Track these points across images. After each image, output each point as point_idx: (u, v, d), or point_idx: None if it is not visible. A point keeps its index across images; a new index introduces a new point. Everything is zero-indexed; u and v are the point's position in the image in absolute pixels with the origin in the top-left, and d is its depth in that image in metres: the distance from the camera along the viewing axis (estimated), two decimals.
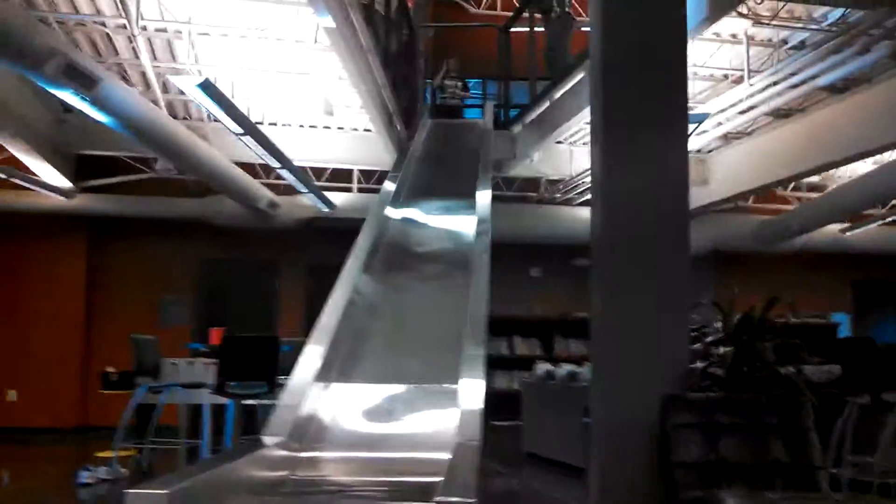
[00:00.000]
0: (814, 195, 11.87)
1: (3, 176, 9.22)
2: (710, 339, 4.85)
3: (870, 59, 7.53)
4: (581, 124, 9.28)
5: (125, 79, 8.78)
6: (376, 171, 10.94)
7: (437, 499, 1.73)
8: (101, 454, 7.17)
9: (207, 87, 6.56)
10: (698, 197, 10.38)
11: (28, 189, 9.81)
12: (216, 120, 8.18)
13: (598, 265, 5.05)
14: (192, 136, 8.84)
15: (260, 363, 5.81)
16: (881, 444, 4.91)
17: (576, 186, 11.24)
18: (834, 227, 12.07)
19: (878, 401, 4.93)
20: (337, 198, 10.97)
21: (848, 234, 12.17)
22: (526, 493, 6.70)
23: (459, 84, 10.81)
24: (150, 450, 7.01)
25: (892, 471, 5.13)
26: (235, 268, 11.61)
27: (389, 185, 6.72)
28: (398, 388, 3.67)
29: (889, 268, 13.03)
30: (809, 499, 3.44)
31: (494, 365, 11.16)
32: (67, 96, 6.51)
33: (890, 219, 11.99)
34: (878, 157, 9.48)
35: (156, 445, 7.01)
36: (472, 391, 3.04)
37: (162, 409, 7.02)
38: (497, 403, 10.47)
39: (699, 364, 4.71)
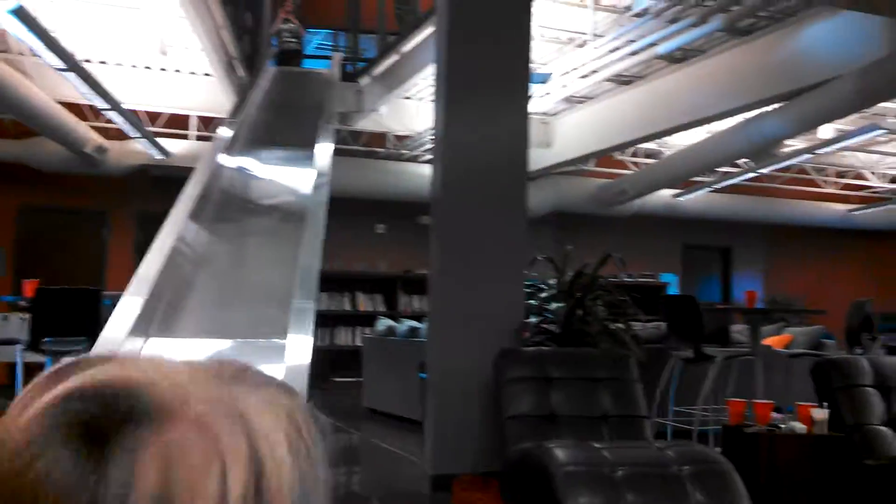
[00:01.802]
0: (650, 161, 12.38)
1: None
2: (543, 294, 4.93)
3: (706, 29, 7.82)
4: (429, 79, 9.18)
5: None
6: (215, 118, 10.44)
7: None
8: None
9: (22, 15, 5.97)
10: (541, 158, 10.57)
11: None
12: (36, 54, 7.50)
13: (438, 222, 5.04)
14: (8, 70, 8.08)
15: (78, 318, 5.40)
16: (701, 395, 5.17)
17: (422, 143, 11.18)
18: (667, 192, 12.65)
19: (700, 354, 5.18)
20: (173, 145, 10.40)
21: (680, 199, 12.80)
22: (364, 447, 6.66)
23: (296, 26, 10.43)
24: None
25: (711, 420, 5.43)
26: (59, 216, 10.82)
27: (225, 132, 6.40)
28: (222, 343, 3.48)
29: (715, 232, 13.85)
30: (632, 447, 3.54)
31: (336, 320, 11.05)
32: None
33: (717, 185, 12.69)
34: (711, 125, 9.95)
35: None
36: (299, 346, 2.90)
37: None
38: (339, 360, 10.39)
39: (533, 319, 4.78)
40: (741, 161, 11.59)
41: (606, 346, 4.59)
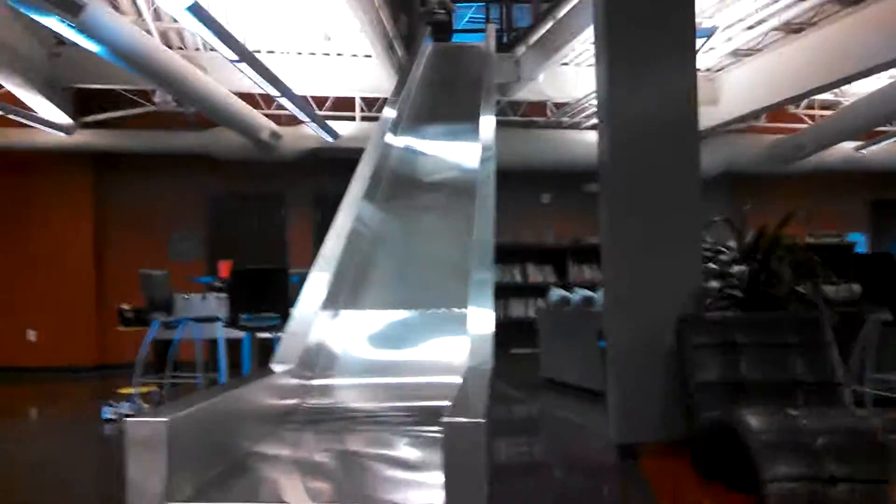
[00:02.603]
0: (827, 113, 11.60)
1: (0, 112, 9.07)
2: (724, 258, 4.74)
3: None
4: (586, 44, 8.99)
5: (115, 7, 8.53)
6: (379, 98, 10.72)
7: (445, 419, 1.65)
8: (122, 390, 7.20)
9: (197, 11, 6.33)
10: (708, 117, 10.14)
11: (28, 126, 9.67)
12: (212, 49, 7.94)
13: (607, 190, 4.94)
14: (188, 65, 8.61)
15: (270, 295, 5.76)
16: None
17: (582, 109, 10.99)
18: (848, 145, 11.82)
19: None
20: (340, 127, 10.78)
21: (863, 151, 11.93)
22: (545, 417, 6.70)
23: None
24: (170, 385, 7.03)
25: None
26: (242, 200, 11.49)
27: (389, 112, 6.54)
28: (407, 314, 3.59)
29: None
30: (831, 414, 3.37)
31: (508, 293, 11.15)
32: (54, 23, 6.30)
33: None
34: (892, 71, 9.18)
35: (174, 380, 7.03)
36: (481, 315, 2.95)
37: (178, 344, 7.02)
38: (513, 332, 10.48)
39: (714, 284, 4.62)
40: None
41: (795, 309, 4.37)
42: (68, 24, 6.19)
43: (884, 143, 11.77)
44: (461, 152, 6.36)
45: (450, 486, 1.67)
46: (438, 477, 1.76)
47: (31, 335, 10.68)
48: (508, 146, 9.56)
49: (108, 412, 6.35)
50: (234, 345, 6.94)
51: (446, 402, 1.73)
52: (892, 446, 3.07)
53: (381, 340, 3.40)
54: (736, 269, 4.60)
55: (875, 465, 2.99)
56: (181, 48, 9.52)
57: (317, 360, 3.20)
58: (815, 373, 3.98)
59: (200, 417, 1.96)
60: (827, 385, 3.96)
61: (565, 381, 7.45)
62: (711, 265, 4.80)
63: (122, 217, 11.11)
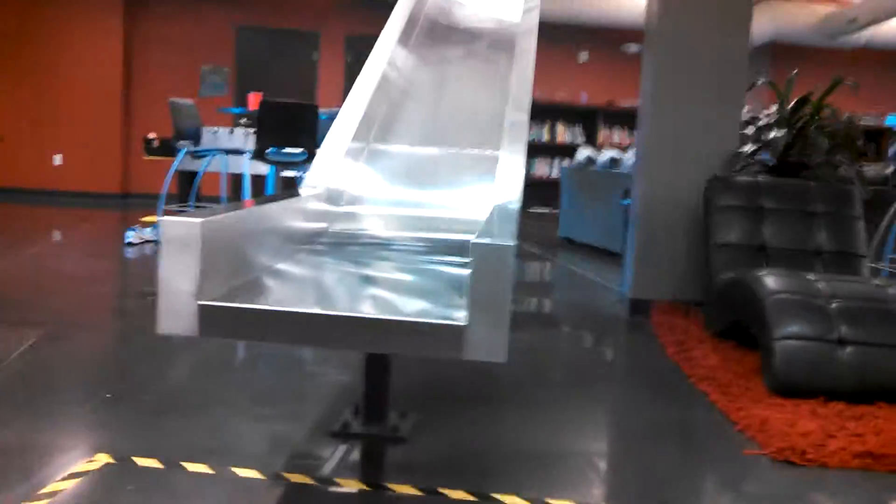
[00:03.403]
0: None
1: None
2: (762, 122, 4.65)
3: None
4: None
5: None
6: None
7: (474, 240, 1.67)
8: (145, 218, 7.34)
9: None
10: None
11: None
12: None
13: (652, 47, 4.82)
14: None
15: (298, 130, 5.75)
16: None
17: None
18: None
19: None
20: None
21: None
22: (560, 272, 6.80)
23: None
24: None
25: None
26: (274, 36, 11.28)
27: None
28: (437, 152, 3.59)
29: None
30: (851, 281, 3.39)
31: (534, 151, 11.07)
32: None
33: None
34: None
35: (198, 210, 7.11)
36: (512, 156, 2.93)
37: (202, 174, 7.08)
38: (536, 190, 10.47)
39: (749, 148, 4.56)
40: None
41: (828, 179, 4.32)
42: None
43: None
44: (503, 1, 6.15)
45: (474, 306, 1.72)
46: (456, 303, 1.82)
47: (58, 159, 10.80)
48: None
49: (130, 236, 6.49)
50: (259, 182, 6.99)
51: (470, 237, 1.75)
52: None
53: (410, 177, 3.41)
54: (773, 134, 4.52)
55: (885, 330, 3.03)
56: None
57: (344, 189, 3.23)
58: (839, 243, 3.98)
59: (231, 226, 2.00)
60: (848, 256, 3.97)
61: (584, 241, 7.51)
62: (748, 130, 4.72)
63: (151, 47, 10.98)
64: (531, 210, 10.58)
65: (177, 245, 1.79)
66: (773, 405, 2.85)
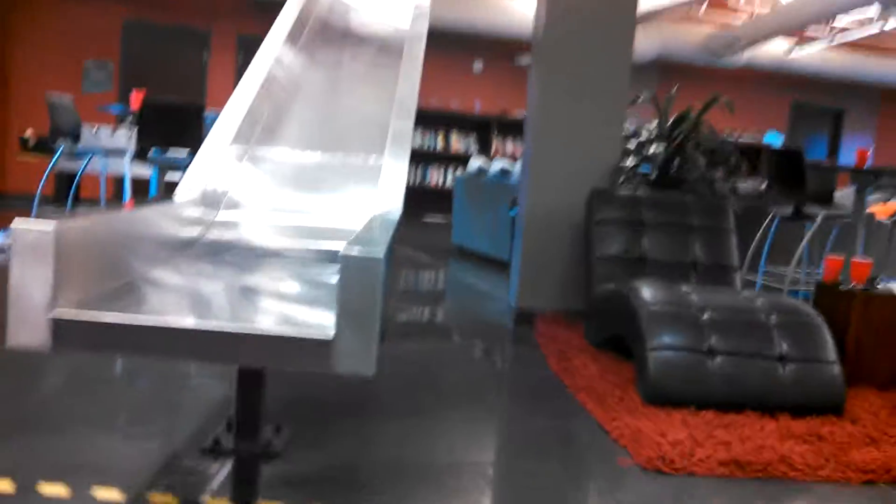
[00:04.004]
0: (765, 10, 11.61)
1: None
2: (643, 137, 4.80)
3: None
4: None
5: None
6: None
7: (343, 251, 1.64)
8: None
9: None
10: (647, 0, 10.02)
11: None
12: None
13: (539, 59, 4.91)
14: None
15: (182, 131, 5.56)
16: (796, 255, 5.05)
17: None
18: (779, 48, 11.93)
19: (800, 212, 5.02)
20: None
21: (793, 54, 12.07)
22: (450, 281, 6.82)
23: None
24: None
25: (802, 281, 5.33)
26: (162, 33, 10.92)
27: None
28: (320, 157, 3.53)
29: (828, 92, 13.11)
30: (721, 292, 3.52)
31: (429, 159, 11.10)
32: None
33: (835, 42, 11.88)
34: None
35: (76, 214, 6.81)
36: (395, 165, 2.91)
37: (81, 179, 6.78)
38: (429, 199, 10.50)
39: (630, 161, 4.69)
40: (866, 11, 10.73)
41: (704, 193, 4.48)
42: None
43: (813, 48, 11.92)
44: (394, 7, 6.13)
45: (341, 318, 1.68)
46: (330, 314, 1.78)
47: None
48: (445, 7, 9.28)
49: (2, 240, 6.15)
50: (142, 185, 6.75)
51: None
52: (773, 325, 3.24)
53: (289, 182, 3.34)
54: (653, 149, 4.66)
55: (751, 340, 3.15)
56: None
57: (222, 195, 3.13)
58: (713, 256, 4.13)
59: (93, 233, 1.90)
60: (722, 268, 4.12)
61: (475, 250, 7.57)
62: (630, 145, 4.86)
63: (31, 39, 10.45)
64: (425, 219, 10.60)
65: (28, 252, 1.69)
66: (646, 415, 2.91)
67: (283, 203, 3.19)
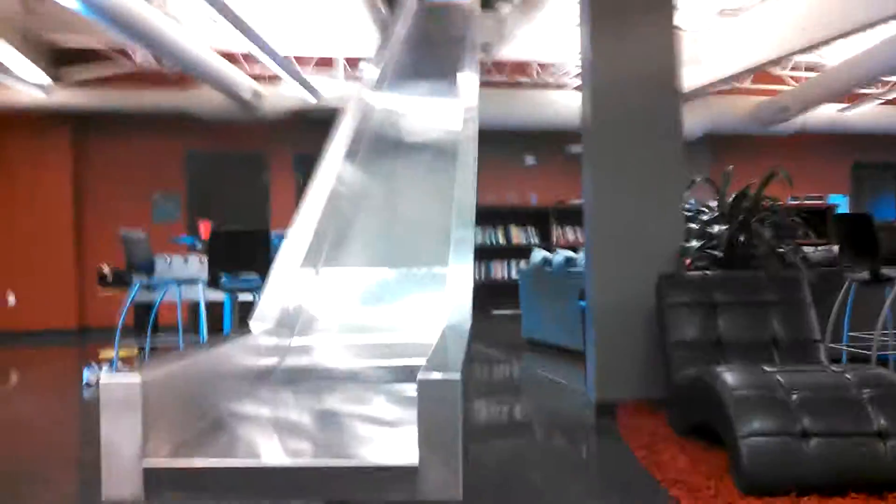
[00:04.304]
0: (811, 74, 11.58)
1: None
2: (705, 217, 4.76)
3: None
4: (571, 4, 8.89)
5: None
6: (362, 57, 10.60)
7: (420, 376, 1.65)
8: (102, 354, 7.18)
9: None
10: (692, 78, 10.11)
11: (5, 86, 9.51)
12: (193, 4, 7.81)
13: (590, 150, 4.94)
14: (166, 20, 8.48)
15: (251, 256, 5.73)
16: (879, 319, 4.88)
17: (566, 71, 10.94)
18: (832, 107, 11.83)
19: (877, 276, 4.88)
20: (323, 86, 10.68)
21: (847, 113, 11.95)
22: (525, 376, 6.76)
23: None
24: (151, 348, 7.03)
25: (890, 345, 5.14)
26: (224, 160, 11.40)
27: (372, 70, 6.47)
28: (387, 273, 3.59)
29: (889, 149, 12.87)
30: (809, 371, 3.40)
31: (491, 254, 11.18)
32: None
33: (889, 97, 11.75)
34: (878, 29, 9.15)
35: (155, 344, 7.02)
36: (461, 274, 2.94)
37: (158, 308, 7.00)
38: (495, 293, 10.52)
39: (695, 243, 4.64)
40: None
41: (774, 268, 4.40)
42: None
43: (866, 106, 11.79)
44: (444, 112, 6.31)
45: (423, 444, 1.68)
46: (414, 434, 1.77)
47: (11, 298, 10.62)
48: (492, 106, 9.50)
49: (88, 376, 6.34)
50: (215, 307, 6.92)
51: (424, 360, 1.73)
52: (867, 401, 3.11)
53: (361, 299, 3.40)
54: (717, 228, 4.61)
55: (846, 418, 3.03)
56: (160, 7, 9.36)
57: (296, 319, 3.20)
58: (793, 331, 4.01)
59: (176, 377, 1.95)
60: (804, 343, 4.00)
61: (546, 342, 7.51)
62: (692, 225, 4.82)
63: (102, 177, 11.00)
64: (493, 313, 10.59)
65: (117, 405, 1.74)
66: None
67: (355, 321, 3.23)
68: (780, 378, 3.26)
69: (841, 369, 3.40)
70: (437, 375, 1.68)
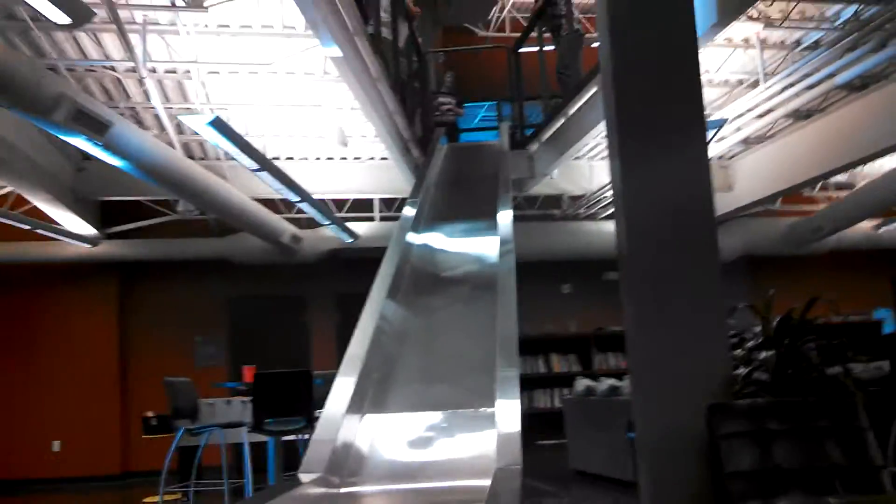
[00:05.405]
0: (842, 193, 11.66)
1: (28, 227, 9.29)
2: (750, 343, 4.70)
3: (886, 54, 7.41)
4: (598, 138, 9.18)
5: (139, 122, 8.84)
6: (396, 198, 10.92)
7: None
8: (147, 500, 7.13)
9: (218, 125, 6.57)
10: (724, 203, 10.26)
11: (53, 239, 9.89)
12: (232, 158, 8.19)
13: (627, 278, 4.95)
14: (209, 175, 8.86)
15: (294, 398, 5.76)
16: None
17: (598, 201, 11.14)
18: (867, 224, 11.84)
19: None
20: (359, 227, 10.95)
21: (881, 230, 11.93)
22: None
23: (454, 101, 10.68)
24: (195, 492, 6.97)
25: None
26: (264, 304, 11.59)
27: (409, 211, 6.66)
28: (433, 416, 3.58)
29: None
30: (875, 501, 3.28)
31: (533, 384, 11.07)
32: (81, 142, 6.53)
33: None
34: None
35: (199, 487, 6.96)
36: (508, 413, 2.94)
37: (202, 451, 6.99)
38: (539, 422, 10.33)
39: (742, 370, 4.57)
40: None
41: (825, 392, 4.30)
42: (94, 143, 6.42)
43: None
44: (481, 247, 6.44)
45: None
46: None
47: (56, 446, 10.65)
48: (527, 239, 9.63)
49: None
50: (259, 448, 6.89)
51: None
52: None
53: (408, 443, 3.38)
54: (763, 354, 4.55)
55: None
56: (203, 158, 9.81)
57: (344, 466, 3.18)
58: (853, 457, 3.88)
59: None
60: (866, 469, 3.86)
61: (595, 472, 7.31)
62: (738, 351, 4.76)
63: (146, 324, 11.22)
64: (538, 442, 10.38)
65: None
66: None
67: (403, 465, 3.21)
68: None
69: None
70: None
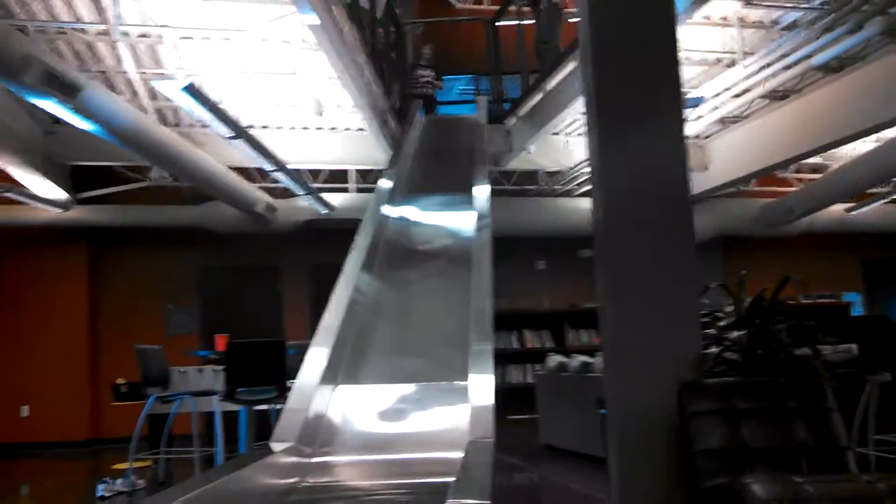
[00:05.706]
0: (816, 176, 11.76)
1: None
2: (722, 323, 4.74)
3: (863, 36, 7.42)
4: (575, 114, 9.15)
5: (112, 87, 8.67)
6: (373, 170, 10.85)
7: (450, 501, 1.63)
8: (117, 466, 7.10)
9: (192, 91, 6.46)
10: (699, 182, 10.31)
11: (24, 203, 9.73)
12: (207, 125, 8.07)
13: (602, 255, 4.96)
14: (183, 142, 8.73)
15: (267, 367, 5.74)
16: None
17: (574, 177, 11.14)
18: (839, 207, 11.96)
19: None
20: (335, 199, 10.88)
21: (853, 213, 12.06)
22: (547, 486, 6.61)
23: (432, 74, 10.61)
24: (166, 460, 6.95)
25: None
26: (238, 273, 11.52)
27: (385, 183, 6.63)
28: (406, 388, 3.58)
29: None
30: (839, 480, 3.33)
31: (506, 359, 11.11)
32: (50, 105, 6.39)
33: (894, 196, 11.89)
34: (878, 134, 9.36)
35: (170, 455, 6.94)
36: (481, 387, 2.94)
37: (173, 419, 6.95)
38: (511, 397, 10.40)
39: (713, 349, 4.61)
40: None
41: (794, 373, 4.35)
42: (65, 106, 6.29)
43: (873, 205, 11.91)
44: (456, 221, 6.43)
45: None
46: None
47: (24, 411, 10.56)
48: (502, 214, 9.63)
49: (102, 489, 6.25)
50: (230, 417, 6.87)
51: (448, 479, 1.71)
52: None
53: (381, 414, 3.37)
54: (735, 334, 4.59)
55: None
56: (176, 125, 9.66)
57: (316, 436, 3.18)
58: (819, 437, 3.94)
59: (206, 500, 1.94)
60: (831, 450, 3.92)
61: (566, 448, 7.37)
62: (710, 330, 4.80)
63: (117, 291, 11.11)
64: (509, 417, 10.45)
65: None
66: None
67: (375, 437, 3.21)
68: (810, 488, 3.19)
69: (872, 478, 3.33)
70: (468, 501, 1.66)
